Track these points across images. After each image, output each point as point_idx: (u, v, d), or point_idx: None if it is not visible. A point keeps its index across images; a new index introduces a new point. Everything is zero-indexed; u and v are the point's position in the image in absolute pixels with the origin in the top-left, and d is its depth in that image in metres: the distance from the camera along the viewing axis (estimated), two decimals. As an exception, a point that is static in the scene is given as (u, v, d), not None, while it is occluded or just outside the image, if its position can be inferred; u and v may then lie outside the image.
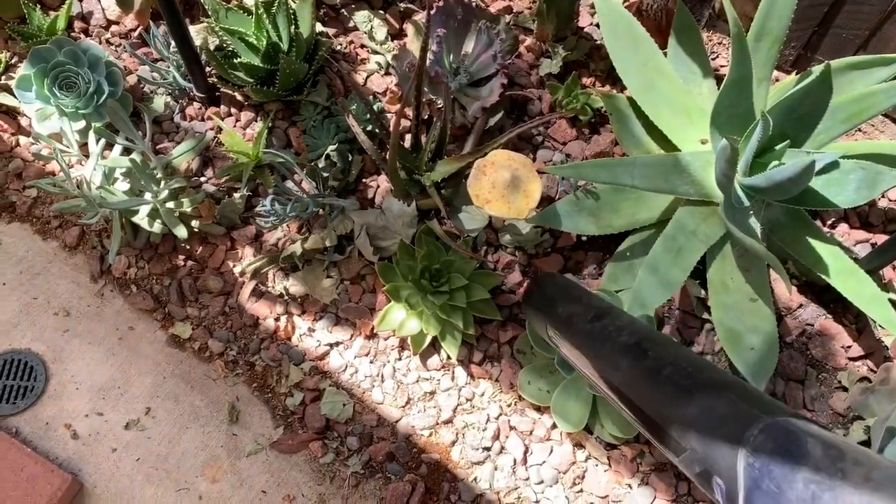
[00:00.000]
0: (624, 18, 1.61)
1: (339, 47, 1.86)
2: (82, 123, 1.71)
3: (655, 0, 1.67)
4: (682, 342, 1.52)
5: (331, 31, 1.89)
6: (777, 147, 1.46)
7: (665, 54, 1.64)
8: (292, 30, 1.69)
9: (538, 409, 1.55)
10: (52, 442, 1.55)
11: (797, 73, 1.71)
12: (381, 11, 1.90)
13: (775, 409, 1.16)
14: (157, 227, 1.61)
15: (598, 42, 1.84)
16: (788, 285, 1.37)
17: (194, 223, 1.65)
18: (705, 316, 1.61)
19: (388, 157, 1.57)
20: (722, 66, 1.86)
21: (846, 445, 1.04)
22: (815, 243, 1.52)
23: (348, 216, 1.64)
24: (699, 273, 1.56)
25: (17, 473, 1.47)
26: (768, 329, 1.48)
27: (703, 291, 1.60)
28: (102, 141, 1.61)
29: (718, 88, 1.65)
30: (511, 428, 1.55)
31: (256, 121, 1.80)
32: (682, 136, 1.60)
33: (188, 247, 1.69)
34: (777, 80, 1.82)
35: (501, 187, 1.46)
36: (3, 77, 1.88)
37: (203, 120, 1.81)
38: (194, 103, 1.83)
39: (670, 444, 1.24)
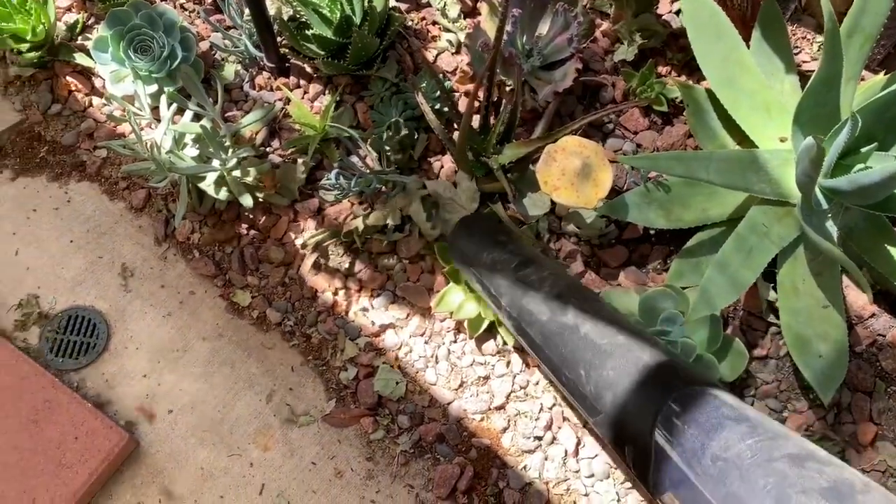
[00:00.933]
0: (708, 7, 1.56)
1: (410, 23, 1.84)
2: (154, 87, 1.72)
3: (742, -10, 1.61)
4: (746, 344, 1.47)
5: (403, 7, 1.87)
6: (863, 149, 1.40)
7: (748, 47, 1.58)
8: (366, 3, 1.68)
9: (593, 401, 1.53)
10: (111, 399, 1.59)
11: (886, 73, 1.63)
12: (455, -12, 1.87)
13: (691, 377, 1.12)
14: (223, 194, 1.62)
15: (677, 30, 1.79)
16: (868, 293, 1.32)
17: (259, 193, 1.66)
18: (771, 319, 1.56)
19: (457, 136, 1.55)
20: (804, 62, 1.79)
21: (759, 419, 0.99)
22: (894, 251, 1.47)
23: (412, 190, 1.62)
24: (769, 275, 1.51)
25: (78, 427, 1.51)
26: (838, 337, 1.43)
27: (773, 294, 1.55)
28: (174, 106, 1.63)
29: (801, 85, 1.60)
30: (564, 419, 1.53)
31: (325, 94, 1.80)
32: (761, 133, 1.55)
33: (251, 216, 1.70)
34: (863, 80, 1.75)
35: (571, 175, 1.43)
36: (80, 38, 1.90)
37: (272, 90, 1.82)
38: (264, 73, 1.83)
39: (585, 404, 1.20)
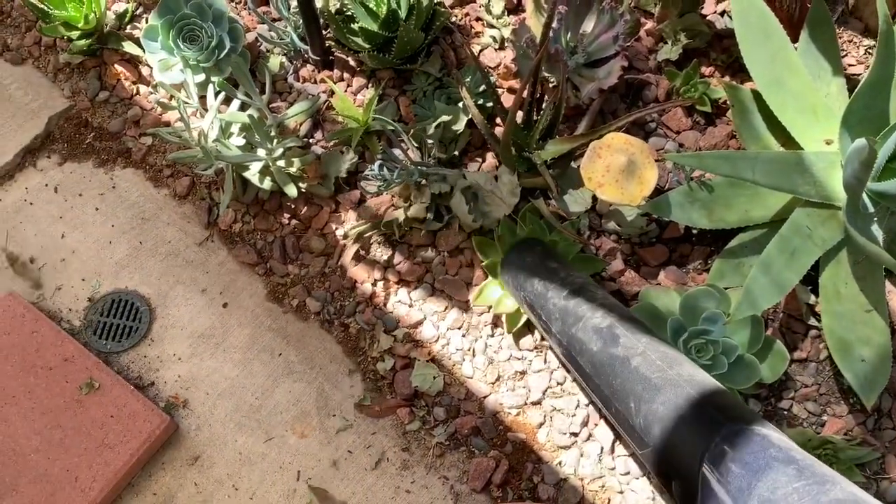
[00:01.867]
0: (757, 7, 1.55)
1: (454, 19, 1.85)
2: (202, 76, 1.75)
3: (791, -9, 1.61)
4: (785, 346, 1.47)
5: (448, 2, 1.88)
6: (912, 154, 1.39)
7: (795, 48, 1.58)
8: (412, -2, 1.69)
9: (631, 399, 1.53)
10: (153, 382, 1.61)
11: (935, 78, 1.62)
12: (500, -15, 1.88)
13: (742, 416, 1.12)
14: (267, 183, 1.64)
15: (721, 31, 1.78)
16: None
17: (301, 184, 1.67)
18: (812, 322, 1.55)
19: (499, 131, 1.56)
20: (850, 66, 1.78)
21: (807, 462, 0.99)
22: (939, 257, 1.45)
23: (453, 181, 1.63)
24: (811, 278, 1.50)
25: (120, 409, 1.53)
26: (881, 341, 1.42)
27: (812, 297, 1.54)
28: (222, 95, 1.65)
29: (848, 88, 1.59)
30: (601, 416, 1.53)
31: (368, 87, 1.81)
32: (807, 135, 1.54)
33: (293, 206, 1.72)
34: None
35: (616, 172, 1.43)
36: (128, 27, 1.94)
37: (316, 83, 1.84)
38: (308, 65, 1.85)
39: (634, 436, 1.21)
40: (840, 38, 1.80)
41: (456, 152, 1.71)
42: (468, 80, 1.70)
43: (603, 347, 1.27)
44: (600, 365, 1.27)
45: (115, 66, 1.89)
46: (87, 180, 1.82)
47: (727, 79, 1.76)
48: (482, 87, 1.69)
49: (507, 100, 1.75)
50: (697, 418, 1.13)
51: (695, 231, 1.62)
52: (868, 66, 1.77)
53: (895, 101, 1.44)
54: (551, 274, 1.44)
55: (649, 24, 1.79)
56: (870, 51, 1.79)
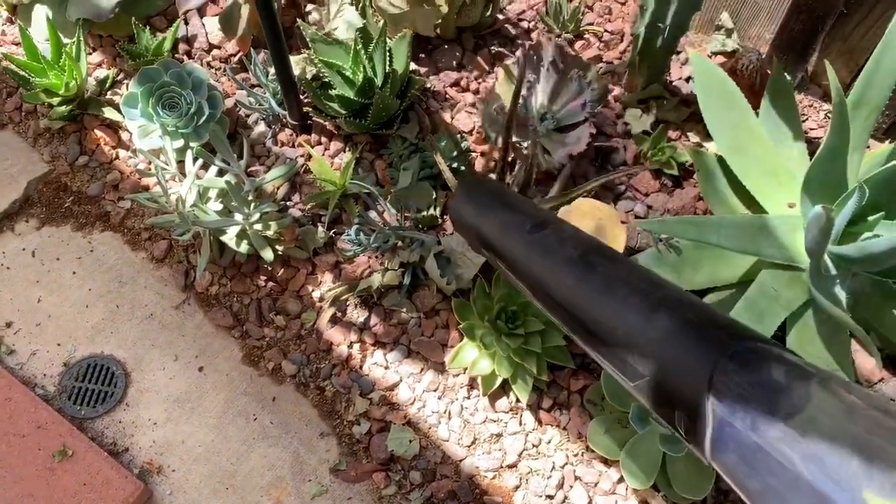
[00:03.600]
0: (718, 77, 1.62)
1: (429, 85, 1.90)
2: (181, 142, 1.78)
3: (751, 61, 1.68)
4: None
5: (422, 70, 1.93)
6: (870, 218, 1.44)
7: (756, 115, 1.64)
8: (387, 67, 1.74)
9: (605, 461, 1.54)
10: (127, 447, 1.60)
11: (891, 142, 1.69)
12: (473, 53, 1.94)
13: (744, 332, 1.02)
14: (244, 247, 1.66)
15: (686, 96, 1.85)
16: (877, 357, 1.34)
17: (278, 246, 1.69)
18: (781, 381, 1.57)
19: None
20: (811, 129, 1.84)
21: (827, 373, 0.89)
22: (901, 316, 1.49)
23: (428, 245, 1.66)
24: (778, 338, 1.53)
25: (94, 476, 1.52)
26: (848, 401, 1.45)
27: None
28: (200, 161, 1.68)
29: (808, 152, 1.65)
30: (576, 478, 1.54)
31: (345, 151, 1.85)
32: (770, 199, 1.59)
33: (270, 268, 1.74)
34: (869, 148, 1.80)
35: (586, 236, 1.46)
36: (109, 92, 1.97)
37: (294, 146, 1.87)
38: (286, 130, 1.89)
39: (625, 369, 1.08)
40: (801, 103, 1.87)
41: (434, 214, 1.75)
42: (442, 144, 1.74)
43: (580, 278, 1.18)
44: (579, 298, 1.17)
45: (96, 131, 1.91)
46: (65, 244, 1.83)
47: (693, 143, 1.81)
48: (455, 152, 1.73)
49: (480, 164, 1.79)
50: (699, 340, 1.01)
51: (665, 292, 1.65)
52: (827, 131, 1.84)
53: (852, 167, 1.50)
54: (510, 209, 1.35)
55: (616, 91, 1.85)
56: (829, 115, 1.86)
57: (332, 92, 1.77)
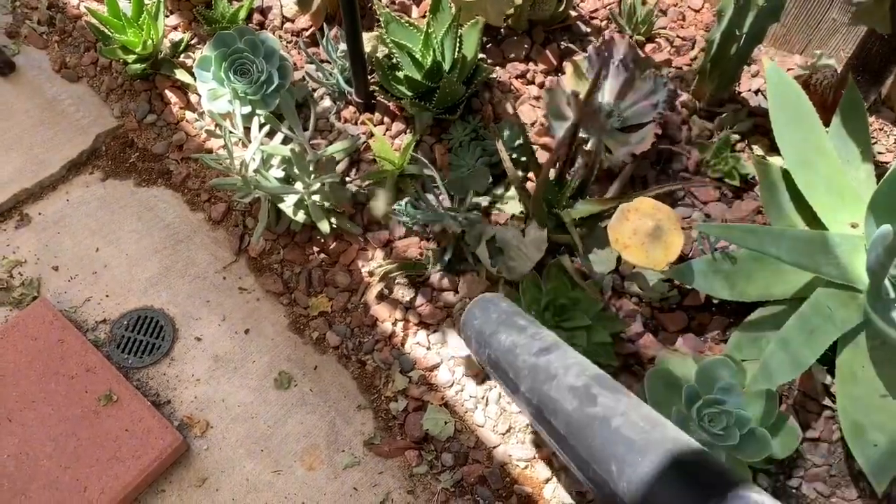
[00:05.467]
0: (792, 90, 1.60)
1: (494, 75, 1.91)
2: (248, 108, 1.81)
3: (826, 77, 1.65)
4: (799, 425, 1.47)
5: (489, 59, 1.94)
6: (937, 244, 1.41)
7: (826, 131, 1.61)
8: (457, 52, 1.75)
9: (640, 462, 1.53)
10: (169, 400, 1.63)
11: (962, 172, 1.65)
12: (541, 47, 1.94)
13: (738, 482, 1.06)
14: (300, 216, 1.69)
15: (754, 108, 1.83)
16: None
17: (333, 219, 1.72)
18: (826, 402, 1.55)
19: (534, 186, 1.60)
20: (879, 153, 1.81)
21: None
22: (958, 348, 1.46)
23: (479, 231, 1.66)
24: (828, 358, 1.51)
25: (136, 423, 1.55)
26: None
27: (828, 377, 1.55)
28: (267, 127, 1.71)
29: (876, 174, 1.62)
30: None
31: (406, 132, 1.87)
32: (832, 217, 1.56)
33: (323, 240, 1.76)
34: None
35: (643, 235, 1.46)
36: (182, 55, 2.01)
37: (356, 124, 1.89)
38: (350, 107, 1.91)
39: (615, 501, 1.15)
40: (871, 125, 1.84)
41: (485, 203, 1.75)
42: (505, 134, 1.75)
43: (579, 407, 1.21)
44: (577, 425, 1.20)
45: (166, 91, 1.96)
46: (127, 198, 1.88)
47: (757, 155, 1.79)
48: (518, 142, 1.74)
49: (541, 156, 1.79)
50: (690, 483, 1.09)
51: (715, 301, 1.64)
52: (897, 155, 1.81)
53: (922, 191, 1.47)
54: (520, 330, 1.40)
55: (685, 97, 1.84)
56: (900, 140, 1.83)
57: (400, 73, 1.79)
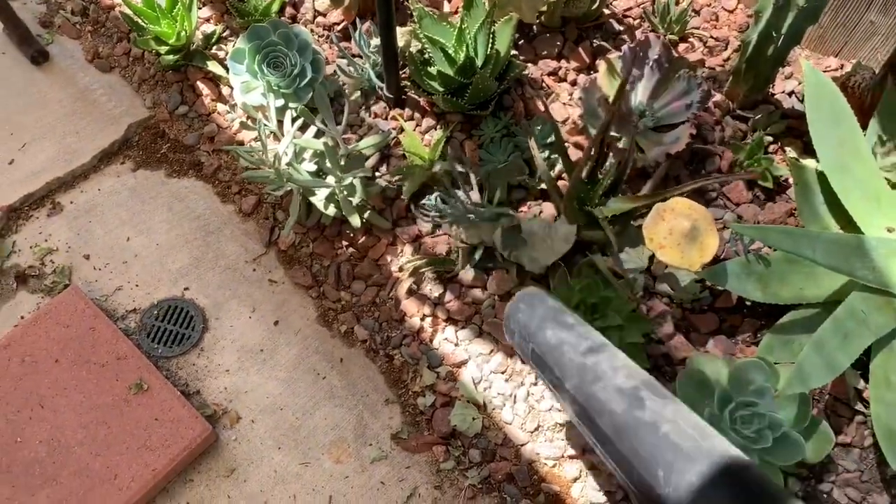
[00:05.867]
0: (830, 91, 1.58)
1: (527, 72, 1.91)
2: (281, 102, 1.81)
3: (864, 79, 1.64)
4: (832, 429, 1.46)
5: (522, 56, 1.94)
6: (976, 250, 1.39)
7: (864, 135, 1.60)
8: (490, 49, 1.75)
9: (669, 463, 1.52)
10: (199, 390, 1.64)
11: None
12: (574, 44, 1.94)
13: (778, 494, 1.06)
14: (331, 210, 1.69)
15: (787, 110, 1.81)
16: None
17: (364, 213, 1.72)
18: (858, 408, 1.54)
19: (566, 184, 1.59)
20: (914, 157, 1.79)
21: None
22: None
23: (502, 221, 1.66)
24: (861, 363, 1.50)
25: (165, 413, 1.56)
26: (930, 435, 1.41)
27: (861, 382, 1.54)
28: (300, 120, 1.71)
29: (913, 179, 1.61)
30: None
31: (436, 128, 1.87)
32: (868, 221, 1.55)
33: (352, 235, 1.77)
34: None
35: (678, 235, 1.45)
36: (214, 47, 2.02)
37: (387, 119, 1.89)
38: (381, 102, 1.91)
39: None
40: (908, 128, 1.82)
41: (516, 199, 1.75)
42: (537, 131, 1.74)
43: (627, 409, 1.21)
44: (624, 428, 1.21)
45: (198, 83, 1.97)
46: (158, 188, 1.89)
47: (790, 157, 1.78)
48: (550, 139, 1.73)
49: (573, 154, 1.79)
50: (736, 496, 1.10)
51: (747, 303, 1.63)
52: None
53: (961, 197, 1.46)
54: (568, 328, 1.39)
55: (718, 97, 1.83)
56: (936, 145, 1.81)
57: (432, 69, 1.79)
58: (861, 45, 1.85)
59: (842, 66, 1.90)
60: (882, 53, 1.79)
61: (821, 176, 1.62)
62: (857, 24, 1.82)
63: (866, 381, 1.50)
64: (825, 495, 1.48)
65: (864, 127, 1.61)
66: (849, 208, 1.55)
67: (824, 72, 1.90)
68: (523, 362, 1.46)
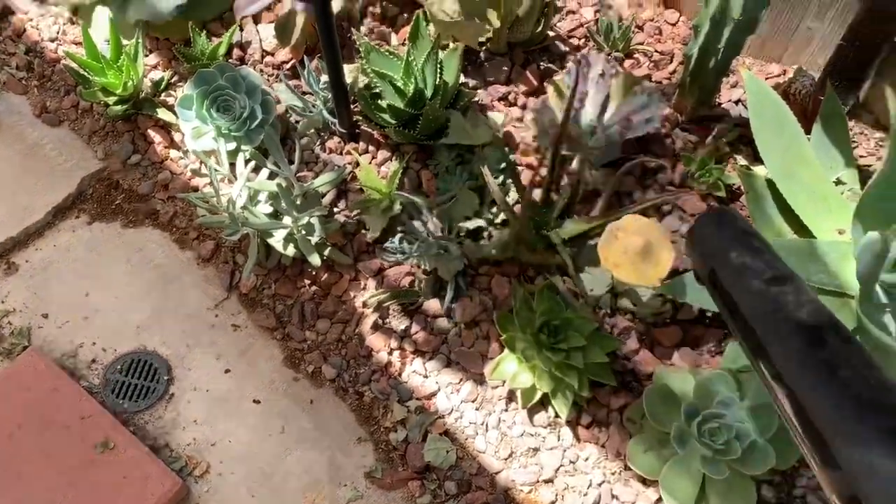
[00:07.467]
0: (772, 100, 1.61)
1: (476, 99, 1.92)
2: (233, 145, 1.80)
3: (804, 85, 1.67)
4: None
5: (471, 83, 1.95)
6: (924, 247, 1.42)
7: (808, 139, 1.63)
8: (438, 79, 1.76)
9: (644, 481, 1.53)
10: (167, 444, 1.62)
11: (944, 173, 1.66)
12: (522, 68, 1.96)
13: None
14: (290, 250, 1.68)
15: (735, 119, 1.84)
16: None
17: (324, 251, 1.71)
18: (825, 409, 1.55)
19: (521, 208, 1.60)
20: (861, 157, 1.82)
21: None
22: (952, 348, 1.47)
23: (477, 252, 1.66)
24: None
25: (134, 470, 1.54)
26: (897, 432, 1.42)
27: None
28: (252, 163, 1.70)
29: (860, 179, 1.64)
30: (613, 496, 1.53)
31: (392, 160, 1.87)
32: (819, 224, 1.57)
33: (314, 273, 1.76)
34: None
35: (633, 253, 1.46)
36: (163, 94, 2.01)
37: (341, 154, 1.90)
38: (334, 137, 1.91)
39: (823, 453, 1.11)
40: (851, 130, 1.85)
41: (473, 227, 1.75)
42: (490, 156, 1.75)
43: (806, 347, 1.17)
44: (800, 366, 1.17)
45: (149, 130, 1.96)
46: (115, 240, 1.87)
47: (740, 165, 1.80)
48: (502, 164, 1.74)
49: (526, 176, 1.80)
50: None
51: (709, 314, 1.64)
52: (880, 158, 1.82)
53: (905, 196, 1.49)
54: (754, 253, 1.34)
55: (666, 110, 1.85)
56: (880, 143, 1.85)
57: (383, 102, 1.79)
58: (801, 50, 1.88)
59: (784, 72, 1.93)
60: (821, 59, 1.83)
61: (770, 183, 1.64)
62: (796, 30, 1.86)
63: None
64: (799, 500, 1.49)
65: (808, 132, 1.64)
66: (799, 213, 1.57)
67: (767, 78, 1.93)
68: (699, 281, 1.41)
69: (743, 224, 1.42)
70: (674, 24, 2.05)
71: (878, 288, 1.44)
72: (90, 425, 1.59)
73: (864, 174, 1.66)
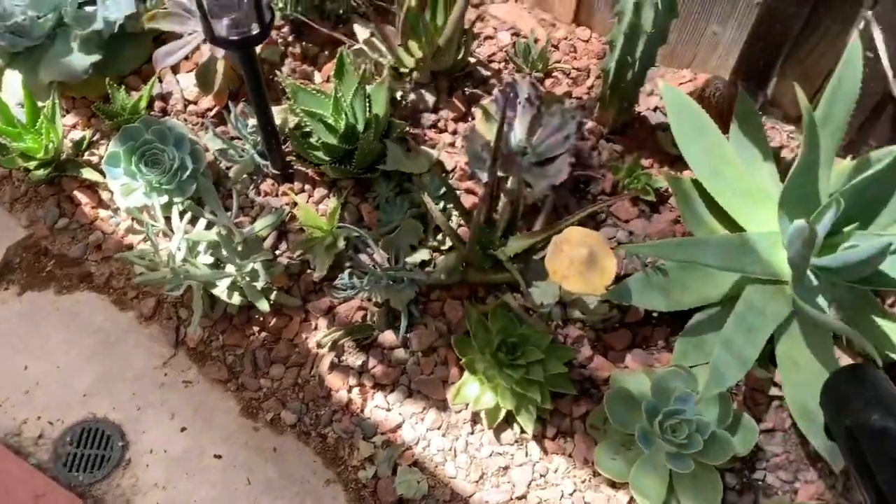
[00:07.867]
0: (689, 107, 1.69)
1: (408, 129, 1.94)
2: (165, 198, 1.77)
3: (717, 88, 1.76)
4: (753, 418, 1.53)
5: (402, 114, 1.98)
6: (845, 230, 1.51)
7: (727, 139, 1.72)
8: (368, 113, 1.78)
9: (614, 484, 1.56)
10: (128, 512, 1.56)
11: (852, 158, 1.78)
12: (448, 95, 1.99)
13: None
14: (236, 298, 1.66)
15: (656, 124, 1.93)
16: (877, 359, 1.39)
17: (271, 296, 1.69)
18: (773, 392, 1.63)
19: (465, 231, 1.63)
20: (777, 149, 1.93)
21: None
22: (880, 321, 1.57)
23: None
24: (768, 351, 1.59)
25: (97, 544, 1.48)
26: (841, 406, 1.50)
27: (768, 370, 1.62)
28: (188, 215, 1.68)
29: (778, 171, 1.73)
30: (586, 504, 1.55)
31: (329, 196, 1.87)
32: (747, 217, 1.65)
33: (262, 318, 1.74)
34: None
35: (579, 264, 1.50)
36: (86, 153, 1.96)
37: (277, 195, 1.89)
38: (268, 180, 1.90)
39: None
40: (764, 125, 1.96)
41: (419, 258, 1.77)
42: (429, 184, 1.77)
43: None
44: None
45: (75, 192, 1.90)
46: (49, 308, 1.80)
47: (666, 169, 1.88)
48: (442, 190, 1.77)
49: (467, 200, 1.83)
50: None
51: (654, 314, 1.70)
52: (791, 149, 1.93)
53: (823, 183, 1.58)
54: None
55: (590, 124, 1.92)
56: (791, 135, 1.96)
57: (315, 140, 1.80)
58: (709, 55, 1.98)
59: (695, 77, 2.03)
60: (729, 61, 1.93)
61: (696, 183, 1.72)
62: (702, 36, 1.96)
63: (775, 366, 1.59)
64: (760, 482, 1.55)
65: (726, 132, 1.73)
66: (726, 208, 1.65)
67: (680, 84, 2.03)
68: (828, 436, 1.36)
69: (886, 384, 1.35)
70: (587, 41, 2.13)
71: (809, 272, 1.53)
72: (46, 502, 1.51)
73: (781, 166, 1.75)
